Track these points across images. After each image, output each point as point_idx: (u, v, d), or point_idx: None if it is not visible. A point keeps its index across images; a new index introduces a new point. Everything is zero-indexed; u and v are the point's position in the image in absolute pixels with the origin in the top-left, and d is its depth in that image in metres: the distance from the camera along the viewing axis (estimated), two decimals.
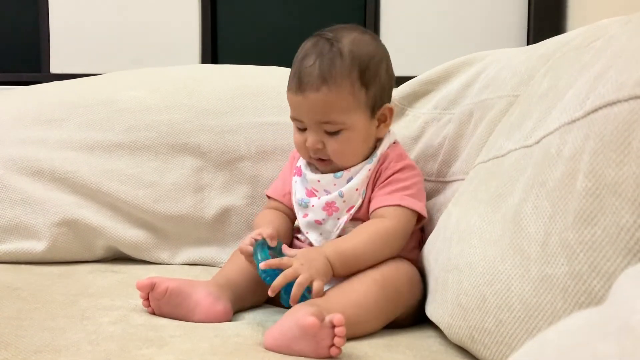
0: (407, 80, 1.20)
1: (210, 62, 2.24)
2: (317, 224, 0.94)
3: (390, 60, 0.97)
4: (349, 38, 0.91)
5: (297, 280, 0.77)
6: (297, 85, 0.90)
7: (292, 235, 1.01)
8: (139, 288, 0.81)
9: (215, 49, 2.28)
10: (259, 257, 0.80)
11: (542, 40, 0.97)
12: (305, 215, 0.95)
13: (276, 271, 0.78)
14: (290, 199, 0.99)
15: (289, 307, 0.77)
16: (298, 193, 0.97)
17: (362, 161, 0.94)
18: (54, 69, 2.28)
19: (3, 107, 1.30)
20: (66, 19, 2.27)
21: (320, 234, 0.94)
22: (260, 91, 1.24)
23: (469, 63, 1.11)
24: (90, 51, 2.26)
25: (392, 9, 2.17)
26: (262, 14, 2.27)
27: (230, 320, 0.82)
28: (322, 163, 0.94)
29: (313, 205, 0.94)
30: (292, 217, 1.01)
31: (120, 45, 2.25)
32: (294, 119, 0.94)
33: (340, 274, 0.84)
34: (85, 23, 2.26)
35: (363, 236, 0.87)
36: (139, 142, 1.21)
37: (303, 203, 0.95)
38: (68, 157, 1.20)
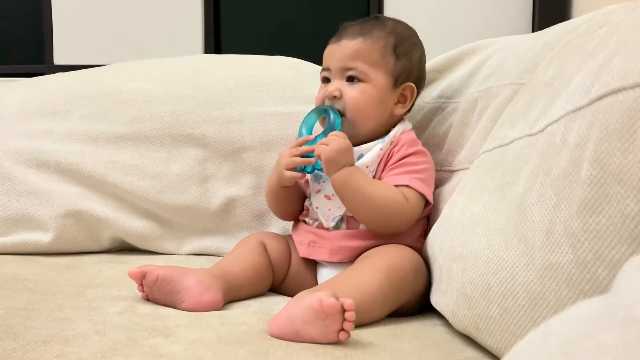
0: None
1: (213, 52, 2.23)
2: (327, 199, 0.95)
3: (425, 55, 1.04)
4: (394, 19, 1.02)
5: (318, 151, 0.90)
6: (336, 38, 1.00)
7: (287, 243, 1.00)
8: (131, 277, 0.82)
9: (218, 39, 2.27)
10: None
11: (547, 27, 0.96)
12: (319, 191, 0.96)
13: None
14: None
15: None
16: None
17: (375, 140, 0.96)
18: (58, 60, 2.28)
19: (7, 99, 1.30)
20: (69, 10, 2.26)
21: (329, 209, 0.94)
22: (264, 81, 1.24)
23: (473, 51, 1.10)
24: (94, 42, 2.26)
25: None
26: (265, 3, 2.26)
27: (219, 310, 0.81)
28: None
29: (324, 182, 0.95)
30: (301, 191, 1.02)
31: (123, 36, 2.25)
32: (323, 70, 1.00)
33: (335, 185, 0.90)
34: (88, 14, 2.26)
35: (380, 187, 0.90)
36: (144, 133, 1.21)
37: (318, 174, 0.96)
38: (73, 149, 1.20)
